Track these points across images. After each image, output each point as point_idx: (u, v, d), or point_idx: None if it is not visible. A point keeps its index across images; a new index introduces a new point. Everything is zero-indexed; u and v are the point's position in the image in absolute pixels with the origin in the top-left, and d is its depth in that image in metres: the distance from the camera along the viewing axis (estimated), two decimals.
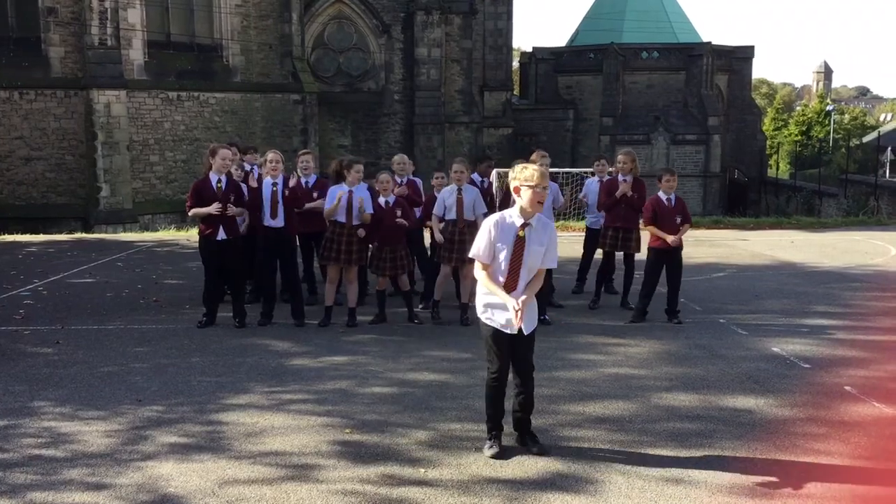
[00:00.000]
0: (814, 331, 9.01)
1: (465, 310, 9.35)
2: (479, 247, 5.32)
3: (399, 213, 9.12)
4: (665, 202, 9.23)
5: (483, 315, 5.42)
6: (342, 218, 8.97)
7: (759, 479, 5.07)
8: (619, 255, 10.51)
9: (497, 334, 5.37)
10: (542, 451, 5.46)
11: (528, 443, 5.54)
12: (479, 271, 5.38)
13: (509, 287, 5.27)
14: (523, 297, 5.22)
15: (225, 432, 5.89)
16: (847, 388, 6.94)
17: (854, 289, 11.65)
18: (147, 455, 5.47)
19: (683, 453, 5.48)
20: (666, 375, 7.32)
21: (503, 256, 5.27)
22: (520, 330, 5.28)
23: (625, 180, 10.16)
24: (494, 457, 5.39)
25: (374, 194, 9.25)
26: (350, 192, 8.95)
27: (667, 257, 9.24)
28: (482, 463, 5.32)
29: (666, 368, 7.55)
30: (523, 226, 5.24)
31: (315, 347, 8.35)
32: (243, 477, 5.12)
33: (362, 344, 8.48)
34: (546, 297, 9.92)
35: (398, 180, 10.33)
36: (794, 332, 8.92)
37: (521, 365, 5.47)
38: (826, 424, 6.05)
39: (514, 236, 5.24)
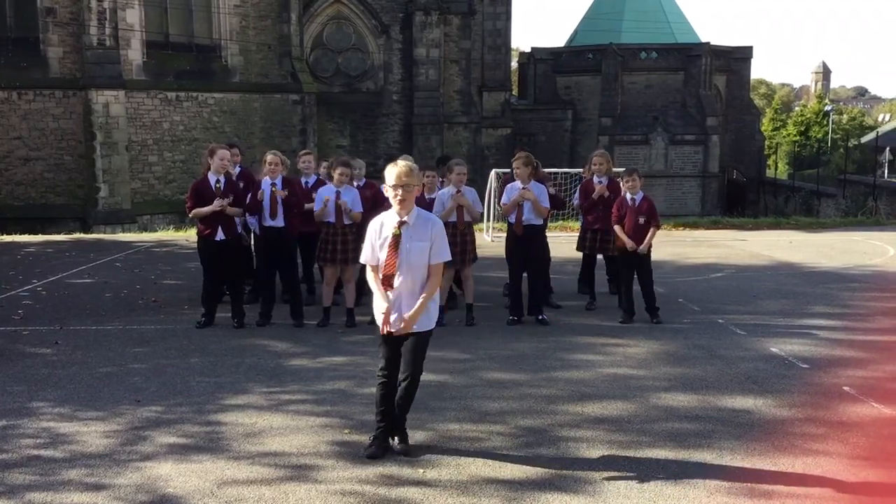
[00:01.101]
0: (812, 331, 9.02)
1: (470, 310, 9.37)
2: (365, 250, 5.48)
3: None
4: (629, 202, 9.29)
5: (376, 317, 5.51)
6: (332, 219, 9.02)
7: (758, 479, 5.07)
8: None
9: (385, 336, 5.44)
10: (405, 451, 5.44)
11: (395, 438, 5.52)
12: (368, 273, 5.51)
13: (386, 284, 5.34)
14: (389, 311, 5.33)
15: (224, 433, 5.89)
16: (845, 388, 6.94)
17: (852, 289, 11.66)
18: (146, 455, 5.46)
19: (682, 453, 5.49)
20: (664, 376, 7.32)
21: (382, 255, 5.36)
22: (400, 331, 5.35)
23: (600, 182, 10.26)
24: (368, 456, 5.37)
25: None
26: (338, 192, 9.00)
27: (632, 258, 9.31)
28: (481, 463, 5.32)
29: (664, 369, 7.55)
30: (399, 224, 5.31)
31: (314, 348, 8.35)
32: (242, 477, 5.12)
33: (361, 344, 8.48)
34: (543, 297, 9.95)
35: None
36: (793, 333, 8.93)
37: (405, 366, 5.47)
38: (824, 425, 6.06)
39: (390, 235, 5.33)
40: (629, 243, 9.17)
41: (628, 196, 9.32)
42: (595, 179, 10.38)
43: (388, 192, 5.36)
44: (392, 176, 5.28)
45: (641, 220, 9.21)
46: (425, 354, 5.55)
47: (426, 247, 5.34)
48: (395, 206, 5.33)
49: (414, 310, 5.33)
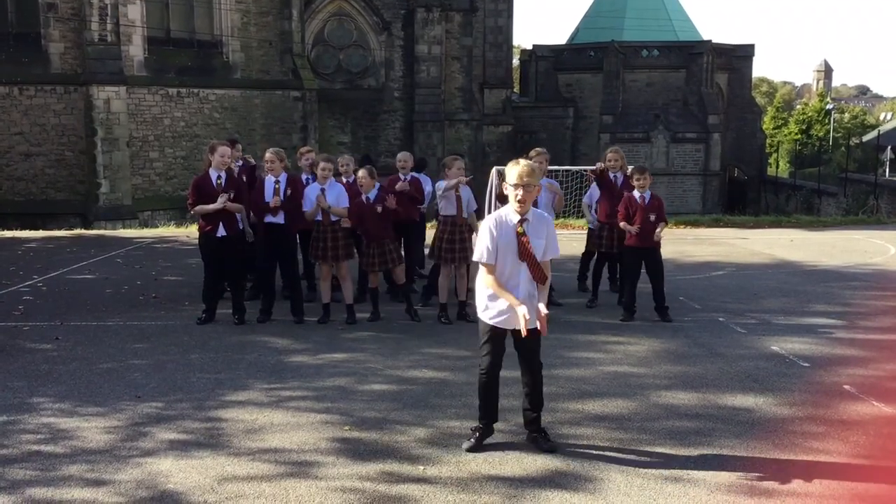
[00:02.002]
0: (813, 329, 9.02)
1: (464, 306, 9.36)
2: (482, 249, 5.34)
3: (379, 208, 9.15)
4: (637, 199, 9.28)
5: (484, 313, 5.44)
6: (319, 217, 9.08)
7: (758, 477, 5.07)
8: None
9: (495, 331, 5.40)
10: (552, 449, 5.47)
11: (539, 441, 5.54)
12: (485, 275, 5.38)
13: (540, 278, 5.31)
14: (541, 306, 5.26)
15: (224, 429, 5.89)
16: (846, 386, 6.94)
17: (853, 288, 11.65)
18: (146, 451, 5.47)
19: (682, 451, 5.49)
20: (665, 374, 7.32)
21: (506, 255, 5.30)
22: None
23: (615, 177, 10.27)
24: (469, 450, 5.43)
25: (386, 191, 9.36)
26: (321, 189, 9.04)
27: (642, 254, 9.30)
28: (481, 460, 5.33)
29: (665, 367, 7.55)
30: (520, 222, 5.27)
31: (314, 344, 8.35)
32: (242, 473, 5.12)
33: (361, 341, 8.48)
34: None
35: (402, 177, 10.38)
36: (794, 331, 8.92)
37: (528, 363, 5.51)
38: (825, 423, 6.06)
39: (514, 234, 5.27)
40: (634, 228, 9.15)
41: (637, 194, 9.30)
42: (610, 175, 10.39)
43: (509, 190, 5.27)
44: (514, 175, 5.23)
45: (652, 218, 9.20)
46: None
47: (542, 244, 5.34)
48: (515, 206, 5.25)
49: (545, 304, 5.31)
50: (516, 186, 5.23)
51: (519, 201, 5.24)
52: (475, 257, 5.44)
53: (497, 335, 5.46)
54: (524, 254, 5.27)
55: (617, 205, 10.08)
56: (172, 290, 11.33)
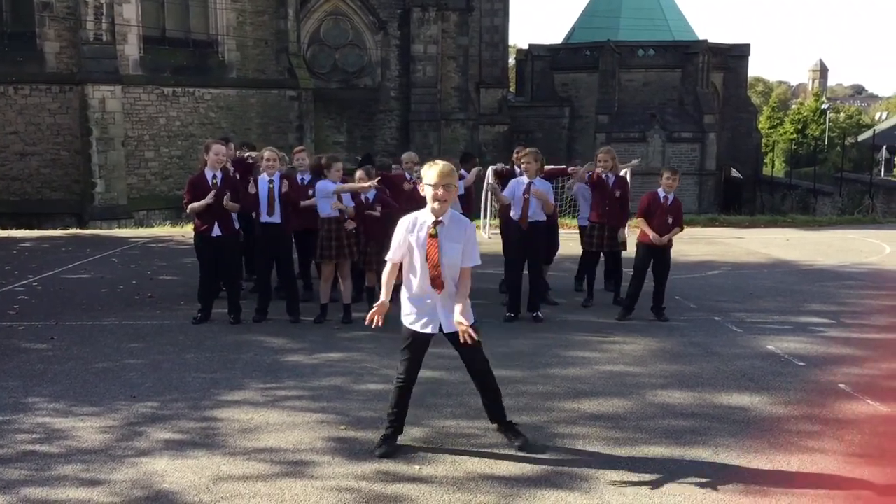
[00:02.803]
0: (808, 329, 9.03)
1: None
2: (393, 247, 5.33)
3: (379, 208, 9.21)
4: (661, 199, 9.23)
5: (405, 317, 5.40)
6: (333, 213, 9.09)
7: (754, 476, 5.07)
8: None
9: (414, 336, 5.37)
10: (524, 447, 5.43)
11: (511, 437, 5.53)
12: (386, 269, 5.40)
13: (437, 285, 5.24)
14: (456, 313, 5.20)
15: (220, 429, 5.89)
16: (841, 385, 6.95)
17: (849, 287, 11.67)
18: (141, 451, 5.45)
19: (678, 451, 5.49)
20: (661, 373, 7.32)
21: (418, 257, 5.24)
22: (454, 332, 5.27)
23: (607, 177, 10.17)
24: (381, 456, 5.35)
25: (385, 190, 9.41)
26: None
27: (655, 253, 9.27)
28: (477, 460, 5.32)
29: (661, 366, 7.55)
30: (434, 223, 5.21)
31: (310, 344, 8.34)
32: (238, 473, 5.11)
33: (357, 341, 8.48)
34: (540, 294, 9.94)
35: (408, 177, 10.40)
36: (789, 330, 8.94)
37: (472, 365, 5.48)
38: (820, 422, 6.07)
39: (426, 235, 5.21)
40: (656, 237, 9.12)
41: (661, 193, 9.27)
42: (603, 176, 10.32)
43: (427, 190, 5.17)
44: (434, 174, 5.14)
45: (670, 220, 9.18)
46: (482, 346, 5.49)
47: (459, 248, 5.25)
48: (434, 205, 5.17)
49: (459, 311, 5.22)
50: (435, 186, 5.12)
51: (440, 201, 5.15)
52: (387, 255, 5.42)
53: (416, 340, 5.39)
54: (429, 256, 5.19)
55: (609, 205, 10.09)
56: (168, 289, 11.32)
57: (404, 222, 5.32)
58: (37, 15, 25.74)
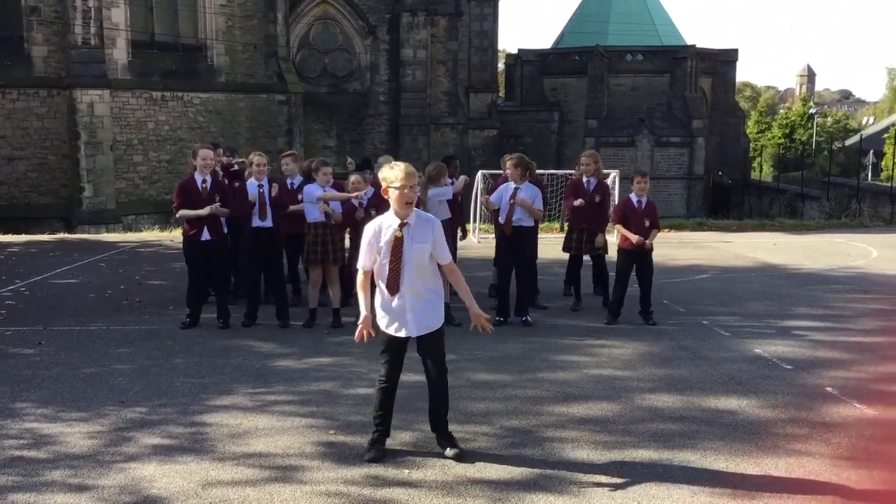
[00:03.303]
0: (796, 332, 9.07)
1: (448, 310, 9.35)
2: (361, 255, 5.34)
3: (374, 212, 9.21)
4: (635, 204, 9.29)
5: (380, 321, 5.42)
6: (320, 218, 9.09)
7: (742, 479, 5.10)
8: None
9: (390, 340, 5.39)
10: (458, 457, 5.39)
11: (444, 444, 5.51)
12: (358, 278, 5.40)
13: (392, 288, 5.25)
14: (475, 309, 5.33)
15: (208, 434, 5.87)
16: (828, 389, 6.99)
17: (836, 291, 11.74)
18: (130, 456, 5.44)
19: (666, 454, 5.51)
20: (649, 376, 7.35)
21: (384, 259, 5.24)
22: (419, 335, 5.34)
23: (588, 182, 10.23)
24: (370, 461, 5.35)
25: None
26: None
27: (636, 258, 9.31)
28: (466, 464, 5.33)
29: (649, 369, 7.58)
30: (400, 226, 5.20)
31: (299, 348, 8.33)
32: (227, 478, 5.10)
33: (347, 345, 8.46)
34: (530, 298, 9.96)
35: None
36: (777, 334, 8.98)
37: (429, 370, 5.48)
38: (807, 425, 6.10)
39: (391, 238, 5.21)
40: (636, 238, 9.15)
41: (634, 198, 9.31)
42: (584, 180, 10.37)
43: (392, 193, 5.16)
44: (402, 175, 5.12)
45: (647, 223, 9.22)
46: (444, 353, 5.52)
47: (428, 248, 5.25)
48: (399, 207, 5.17)
49: (473, 303, 5.36)
50: (402, 188, 5.12)
51: (408, 202, 5.17)
52: (357, 263, 5.42)
53: (392, 343, 5.40)
54: (391, 259, 5.19)
55: (588, 210, 10.13)
56: (156, 294, 11.28)
57: (369, 229, 5.32)
58: (25, 19, 25.65)
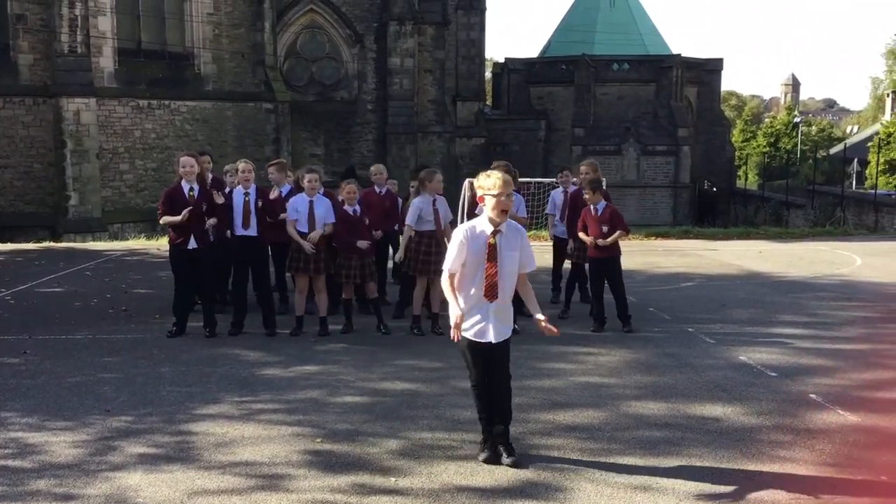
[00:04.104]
0: (780, 340, 9.13)
1: (437, 319, 9.38)
2: (451, 258, 5.33)
3: (367, 221, 9.30)
4: (592, 212, 9.52)
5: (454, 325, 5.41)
6: (304, 229, 9.06)
7: (726, 486, 5.13)
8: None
9: (471, 345, 5.40)
10: (516, 464, 5.42)
11: (503, 453, 5.51)
12: (445, 280, 5.38)
13: (491, 296, 5.28)
14: (539, 316, 5.41)
15: (194, 442, 5.86)
16: (812, 396, 7.04)
17: (820, 298, 11.81)
18: (115, 466, 5.42)
19: (652, 461, 5.54)
20: (635, 384, 7.38)
21: (478, 266, 5.28)
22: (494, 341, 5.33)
23: (586, 195, 10.27)
24: (486, 461, 5.41)
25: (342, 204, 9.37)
26: (311, 202, 9.10)
27: (601, 265, 9.49)
28: (453, 471, 5.34)
29: (635, 377, 7.61)
30: (494, 233, 5.26)
31: (286, 357, 8.33)
32: (213, 487, 5.09)
33: (334, 353, 8.47)
34: (516, 306, 9.96)
35: (377, 190, 10.45)
36: (761, 342, 9.03)
37: (495, 375, 5.48)
38: (792, 432, 6.14)
39: (485, 245, 5.26)
40: (589, 239, 9.42)
41: (591, 208, 9.53)
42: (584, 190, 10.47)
43: (489, 200, 5.20)
44: (500, 183, 5.17)
45: (605, 229, 9.36)
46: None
47: (517, 256, 5.31)
48: (494, 215, 5.20)
49: (538, 311, 5.47)
50: (499, 196, 5.18)
51: (502, 211, 5.22)
52: (445, 265, 5.42)
53: (474, 349, 5.41)
54: (488, 266, 5.23)
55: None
56: (142, 303, 11.25)
57: (461, 232, 5.33)
58: (11, 27, 25.58)
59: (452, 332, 5.32)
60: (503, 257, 5.28)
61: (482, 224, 5.30)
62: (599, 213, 9.46)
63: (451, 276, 5.35)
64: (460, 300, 5.33)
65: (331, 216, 9.13)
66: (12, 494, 4.96)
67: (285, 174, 10.43)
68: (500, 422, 5.53)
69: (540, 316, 5.42)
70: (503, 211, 5.22)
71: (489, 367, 5.44)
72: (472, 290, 5.33)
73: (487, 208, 5.27)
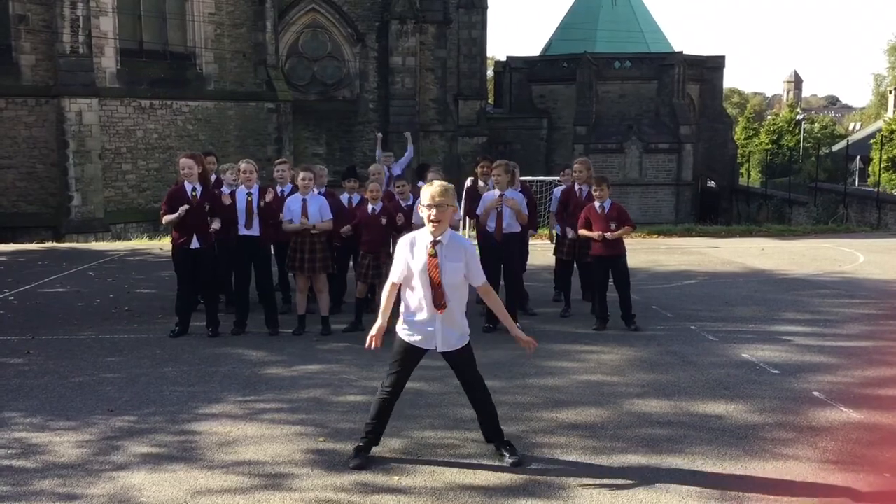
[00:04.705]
0: (783, 337, 9.13)
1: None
2: (394, 268, 5.38)
3: (384, 220, 9.30)
4: (598, 210, 9.40)
5: (400, 328, 5.44)
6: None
7: (729, 483, 5.13)
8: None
9: (408, 349, 5.41)
10: (517, 463, 5.43)
11: (504, 453, 5.53)
12: (386, 289, 5.44)
13: (439, 304, 5.27)
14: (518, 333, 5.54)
15: (197, 442, 5.87)
16: (815, 393, 7.04)
17: (823, 296, 11.80)
18: (119, 465, 5.44)
19: (654, 459, 5.54)
20: (638, 382, 7.38)
21: (417, 276, 5.28)
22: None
23: (580, 189, 10.31)
24: (355, 468, 5.36)
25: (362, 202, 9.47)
26: (304, 200, 9.14)
27: (608, 263, 9.42)
28: (455, 470, 5.35)
29: (638, 375, 7.61)
30: (433, 244, 5.24)
31: (289, 356, 8.34)
32: (216, 487, 5.10)
33: (336, 352, 8.48)
34: (519, 304, 9.98)
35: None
36: (764, 339, 9.03)
37: (467, 381, 5.52)
38: (795, 429, 6.14)
39: (425, 255, 5.25)
40: (597, 234, 9.26)
41: (597, 204, 9.41)
42: (576, 187, 10.45)
43: (423, 211, 5.24)
44: (427, 196, 5.20)
45: (613, 226, 9.28)
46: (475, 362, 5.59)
47: (460, 268, 5.29)
48: (429, 227, 5.21)
49: (513, 326, 5.65)
50: (429, 207, 5.18)
51: (432, 221, 5.20)
52: (390, 275, 5.47)
53: (410, 353, 5.43)
54: (431, 276, 5.22)
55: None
56: (145, 302, 11.27)
57: (403, 242, 5.37)
58: (13, 28, 25.59)
59: (368, 339, 5.40)
60: (444, 269, 5.24)
61: (423, 235, 5.30)
62: (606, 210, 9.37)
63: (393, 286, 5.38)
64: (401, 309, 5.41)
65: (326, 214, 9.16)
66: (16, 494, 4.98)
67: (292, 174, 10.48)
68: (490, 423, 5.58)
69: (518, 334, 5.59)
70: (434, 222, 5.19)
71: (408, 375, 5.51)
72: (413, 300, 5.34)
73: (424, 219, 5.26)
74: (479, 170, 10.53)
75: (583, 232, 9.51)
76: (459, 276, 5.31)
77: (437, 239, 5.24)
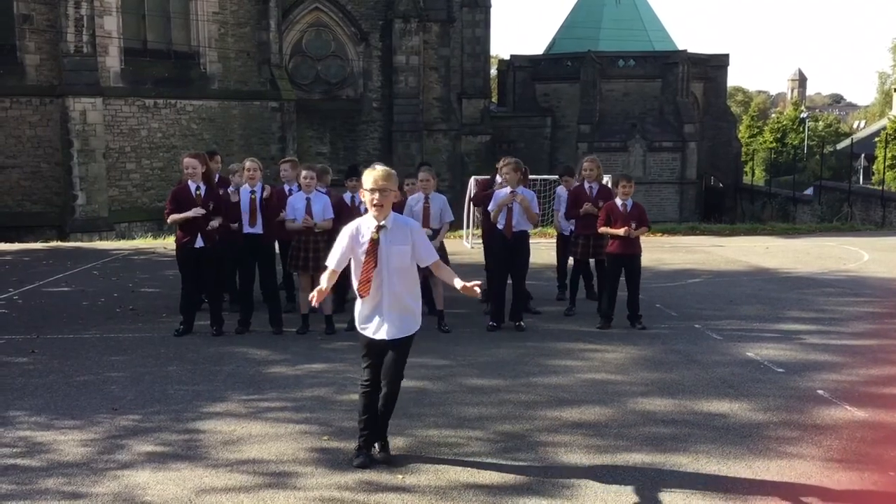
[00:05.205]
0: (787, 336, 9.11)
1: (442, 316, 9.38)
2: (332, 254, 5.35)
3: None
4: (620, 207, 9.34)
5: (358, 324, 5.42)
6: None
7: (733, 482, 5.13)
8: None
9: (369, 343, 5.38)
10: (387, 460, 5.42)
11: (376, 446, 5.49)
12: (323, 276, 5.37)
13: (364, 291, 5.24)
14: (457, 281, 5.41)
15: (202, 440, 5.88)
16: (820, 391, 7.03)
17: (827, 294, 11.79)
18: (123, 464, 5.44)
19: (659, 458, 5.54)
20: (642, 380, 7.38)
21: (360, 261, 5.25)
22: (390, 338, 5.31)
23: (591, 187, 10.29)
24: (359, 466, 5.35)
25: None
26: (307, 199, 9.15)
27: (624, 262, 9.38)
28: (459, 469, 5.35)
29: (642, 374, 7.61)
30: (377, 228, 5.22)
31: (293, 355, 8.34)
32: (220, 485, 5.11)
33: (340, 351, 8.48)
34: (523, 302, 9.97)
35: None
36: (769, 338, 9.02)
37: (387, 370, 5.41)
38: (799, 428, 6.13)
39: (368, 240, 5.23)
40: (622, 230, 9.15)
41: (619, 201, 9.35)
42: (586, 184, 10.41)
43: (365, 196, 5.22)
44: (369, 180, 5.18)
45: (634, 226, 9.23)
46: (407, 358, 5.50)
47: (407, 250, 5.26)
48: (372, 211, 5.21)
49: (456, 280, 5.43)
50: (372, 191, 5.15)
51: (374, 206, 5.17)
52: (327, 260, 5.43)
53: (372, 346, 5.38)
54: (365, 262, 5.20)
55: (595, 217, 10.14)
56: (150, 302, 11.28)
57: (348, 230, 5.33)
58: (17, 27, 25.66)
59: (310, 296, 5.30)
60: (388, 253, 5.21)
61: (367, 221, 5.28)
62: (629, 208, 9.31)
63: (331, 273, 5.31)
64: (357, 301, 5.35)
65: (329, 213, 9.17)
66: (21, 493, 4.98)
67: (298, 172, 10.46)
68: (385, 417, 5.50)
69: (458, 283, 5.40)
70: (377, 206, 5.16)
71: (381, 364, 5.39)
72: (355, 284, 5.30)
73: (367, 203, 5.23)
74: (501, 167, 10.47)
75: (603, 229, 9.40)
76: (406, 258, 5.28)
77: (382, 224, 5.21)
